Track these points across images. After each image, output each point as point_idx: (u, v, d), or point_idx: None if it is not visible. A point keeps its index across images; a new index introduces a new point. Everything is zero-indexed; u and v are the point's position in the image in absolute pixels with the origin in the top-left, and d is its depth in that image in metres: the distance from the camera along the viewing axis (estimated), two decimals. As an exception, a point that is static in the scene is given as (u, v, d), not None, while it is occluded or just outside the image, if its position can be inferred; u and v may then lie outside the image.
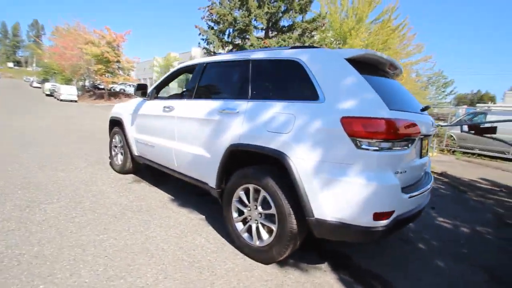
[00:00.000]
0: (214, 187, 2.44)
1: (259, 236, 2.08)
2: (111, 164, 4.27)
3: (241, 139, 2.12)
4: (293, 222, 1.85)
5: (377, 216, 1.62)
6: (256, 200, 2.08)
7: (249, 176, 2.09)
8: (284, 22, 16.65)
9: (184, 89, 3.26)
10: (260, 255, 2.05)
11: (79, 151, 5.21)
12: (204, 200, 3.26)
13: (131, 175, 4.01)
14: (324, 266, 2.13)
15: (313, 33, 15.70)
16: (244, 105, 2.20)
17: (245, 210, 2.17)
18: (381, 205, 1.62)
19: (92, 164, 4.45)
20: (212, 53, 17.60)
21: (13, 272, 1.75)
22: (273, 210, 1.94)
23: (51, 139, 6.15)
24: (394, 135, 1.61)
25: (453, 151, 9.68)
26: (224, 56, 2.72)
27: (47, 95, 27.47)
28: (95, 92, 27.74)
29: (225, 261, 2.08)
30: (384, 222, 1.65)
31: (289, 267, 2.07)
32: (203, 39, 16.60)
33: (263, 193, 2.00)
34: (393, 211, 1.67)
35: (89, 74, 26.43)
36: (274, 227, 1.95)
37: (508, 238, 2.99)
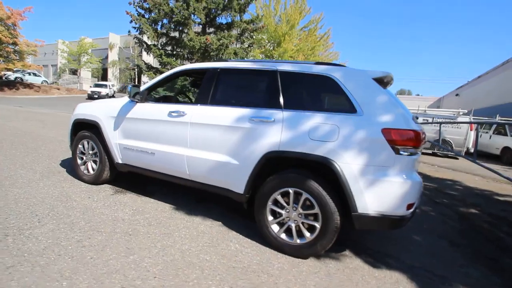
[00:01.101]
0: (242, 192, 2.50)
1: (300, 235, 2.28)
2: (77, 174, 3.66)
3: (281, 147, 2.26)
4: (337, 219, 2.12)
5: (409, 207, 2.06)
6: (296, 202, 2.27)
7: (290, 180, 2.26)
8: (222, 20, 16.64)
9: (183, 94, 3.11)
10: (303, 251, 2.26)
11: (12, 159, 4.22)
12: (207, 206, 3.22)
13: (107, 185, 3.55)
14: (348, 253, 2.49)
15: (252, 34, 16.15)
16: (279, 114, 2.34)
17: (283, 212, 2.33)
18: (411, 198, 2.06)
19: (46, 175, 3.72)
20: (145, 44, 16.19)
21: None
22: (316, 210, 2.17)
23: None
24: (418, 142, 2.06)
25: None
26: (242, 63, 2.74)
27: None
28: (-23, 80, 21.68)
29: (271, 261, 2.20)
30: (410, 211, 2.10)
31: (324, 258, 2.35)
32: (134, 28, 15.05)
33: (305, 195, 2.21)
34: (414, 202, 2.14)
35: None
36: (317, 225, 2.18)
37: (443, 213, 4.01)
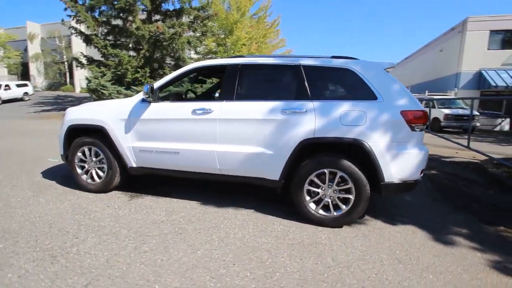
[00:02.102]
0: (277, 179, 2.73)
1: (336, 208, 2.63)
2: (79, 184, 3.38)
3: (316, 133, 2.54)
4: (368, 189, 2.52)
5: (421, 172, 2.56)
6: (331, 180, 2.60)
7: (325, 162, 2.56)
8: (169, 6, 15.70)
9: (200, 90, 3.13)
10: (340, 221, 2.62)
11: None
12: (231, 198, 3.35)
13: (115, 192, 3.39)
14: (369, 218, 2.95)
15: (204, 22, 15.65)
16: (309, 104, 2.60)
17: (319, 191, 2.65)
18: (423, 164, 2.56)
19: (38, 190, 3.37)
20: (83, 34, 14.41)
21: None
22: (350, 185, 2.54)
23: None
24: (426, 119, 2.55)
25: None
26: (262, 59, 2.88)
27: None
28: None
29: (317, 234, 2.51)
30: (421, 175, 2.62)
31: (354, 225, 2.75)
32: (70, 16, 13.23)
33: (339, 173, 2.55)
34: (424, 168, 2.65)
35: None
36: (351, 197, 2.56)
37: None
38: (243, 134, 2.74)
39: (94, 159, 3.30)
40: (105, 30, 15.30)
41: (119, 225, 2.54)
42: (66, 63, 28.81)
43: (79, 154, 3.32)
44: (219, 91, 3.21)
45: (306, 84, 2.67)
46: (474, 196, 3.79)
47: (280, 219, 2.78)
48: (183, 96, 4.00)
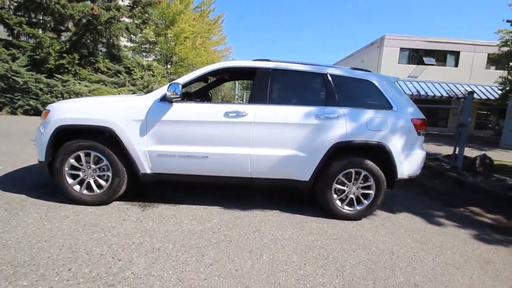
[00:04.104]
0: (307, 180, 2.90)
1: (358, 202, 2.96)
2: (70, 196, 2.81)
3: (347, 137, 2.80)
4: (385, 185, 2.94)
5: (420, 169, 3.12)
6: (356, 179, 2.91)
7: (353, 163, 2.86)
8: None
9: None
10: (362, 214, 2.97)
11: None
12: (251, 200, 3.35)
13: (118, 203, 2.97)
14: (382, 208, 3.37)
15: (146, 8, 14.28)
16: (339, 111, 2.84)
17: (345, 189, 2.93)
18: (423, 163, 3.11)
19: (11, 206, 2.70)
20: None
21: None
22: (371, 182, 2.90)
23: None
24: (426, 126, 3.10)
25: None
26: (292, 65, 2.95)
27: None
28: None
29: (348, 227, 2.79)
30: (420, 172, 3.18)
31: (371, 216, 3.13)
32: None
33: (364, 172, 2.89)
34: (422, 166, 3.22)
35: None
36: (372, 192, 2.93)
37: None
38: (278, 138, 2.80)
39: (93, 166, 2.80)
40: (15, 4, 12.41)
41: (157, 240, 2.29)
42: None
43: (72, 160, 2.77)
44: (250, 93, 3.13)
45: (335, 92, 2.91)
46: (428, 186, 4.74)
47: (308, 217, 2.96)
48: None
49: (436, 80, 19.10)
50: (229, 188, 3.67)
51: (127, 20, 14.34)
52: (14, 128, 7.42)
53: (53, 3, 12.01)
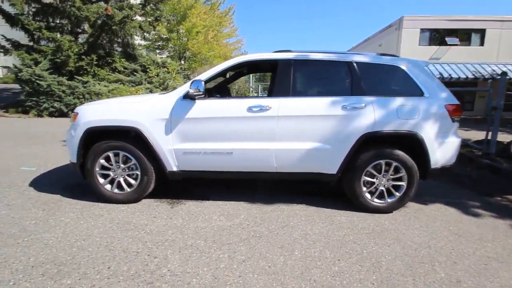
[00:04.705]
0: (334, 173, 2.82)
1: (389, 195, 2.86)
2: (102, 195, 2.90)
3: (375, 127, 2.69)
4: (418, 176, 2.81)
5: (455, 158, 2.96)
6: (386, 170, 2.81)
7: (383, 154, 2.74)
8: (115, -14, 13.88)
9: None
10: (394, 207, 2.86)
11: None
12: (273, 195, 3.33)
13: (148, 201, 3.04)
14: (413, 199, 3.24)
15: (158, 5, 14.32)
16: (367, 100, 2.72)
17: (375, 181, 2.83)
18: (458, 151, 2.94)
19: (48, 206, 2.82)
20: (5, 13, 11.82)
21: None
22: (403, 173, 2.78)
23: None
24: (461, 112, 2.91)
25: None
26: (315, 54, 2.85)
27: None
28: None
29: (379, 221, 2.71)
30: (455, 160, 3.01)
31: (402, 208, 3.02)
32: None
33: (394, 163, 2.77)
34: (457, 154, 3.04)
35: None
36: (403, 183, 2.81)
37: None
38: (303, 131, 2.74)
39: (122, 165, 2.87)
40: (33, 10, 12.82)
41: (189, 237, 2.32)
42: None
43: (102, 161, 2.85)
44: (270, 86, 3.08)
45: (361, 80, 2.79)
46: (460, 173, 4.52)
47: (336, 211, 2.90)
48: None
49: (460, 61, 18.05)
50: (252, 182, 3.66)
51: (139, 18, 14.50)
52: (42, 131, 7.76)
53: (68, 6, 12.31)
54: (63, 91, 11.95)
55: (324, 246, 2.24)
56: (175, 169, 2.87)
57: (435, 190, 3.70)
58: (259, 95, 13.93)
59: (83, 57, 12.76)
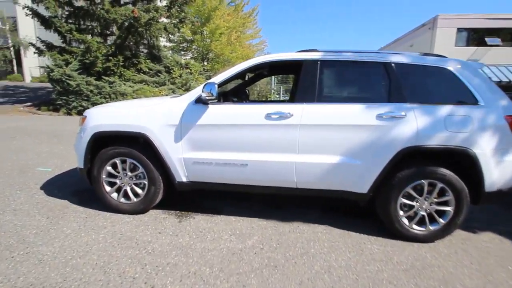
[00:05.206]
0: (365, 192, 2.42)
1: (432, 221, 2.40)
2: (108, 204, 2.72)
3: (418, 141, 2.25)
4: (468, 200, 2.33)
5: (517, 180, 2.44)
6: (430, 192, 2.36)
7: (427, 172, 2.30)
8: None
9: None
10: (437, 236, 2.41)
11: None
12: (291, 212, 2.98)
13: (156, 212, 2.81)
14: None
15: (182, 7, 14.46)
16: (408, 108, 2.30)
17: (414, 204, 2.39)
18: None
19: (53, 213, 2.66)
20: (40, 16, 12.49)
21: None
22: (450, 196, 2.32)
23: None
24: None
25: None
26: (345, 54, 2.47)
27: None
28: None
29: (419, 253, 2.26)
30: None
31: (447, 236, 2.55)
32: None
33: (440, 184, 2.31)
34: None
35: None
36: (450, 209, 2.34)
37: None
38: (330, 142, 2.37)
39: (129, 173, 2.66)
40: (66, 12, 13.41)
41: (194, 261, 2.04)
42: (12, 48, 25.04)
43: (108, 168, 2.67)
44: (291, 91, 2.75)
45: (400, 85, 2.37)
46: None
47: (366, 236, 2.49)
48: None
49: (502, 63, 16.50)
50: (269, 195, 3.33)
51: (165, 20, 14.71)
52: (67, 129, 7.95)
53: (98, 9, 12.73)
54: (91, 91, 12.35)
55: (352, 285, 1.85)
56: (184, 179, 2.62)
57: (484, 214, 3.15)
58: (281, 99, 13.51)
59: (110, 58, 13.12)
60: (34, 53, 13.46)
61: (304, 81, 2.46)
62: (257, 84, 19.25)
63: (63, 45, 13.47)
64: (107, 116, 2.66)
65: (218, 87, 2.54)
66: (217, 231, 2.48)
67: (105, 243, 2.22)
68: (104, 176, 2.69)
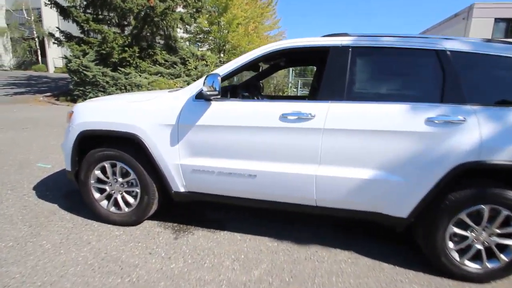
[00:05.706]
0: (405, 217, 1.90)
1: (490, 257, 1.86)
2: (97, 213, 2.39)
3: (481, 154, 1.71)
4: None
5: None
6: (490, 221, 1.81)
7: (489, 195, 1.75)
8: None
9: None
10: (493, 275, 1.88)
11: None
12: (313, 232, 2.51)
13: (150, 223, 2.45)
14: None
15: (200, -3, 14.01)
16: (469, 111, 1.75)
17: (468, 235, 1.86)
18: None
19: (37, 221, 2.36)
20: (59, 6, 12.52)
21: None
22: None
23: None
24: None
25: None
26: (384, 39, 1.93)
27: None
28: None
29: (476, 300, 1.76)
30: None
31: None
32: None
33: (505, 212, 1.76)
34: None
35: None
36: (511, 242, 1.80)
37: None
38: (361, 152, 1.86)
39: (120, 179, 2.30)
40: (84, 2, 13.36)
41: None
42: (36, 39, 25.79)
43: (97, 172, 2.31)
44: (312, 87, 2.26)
45: (459, 80, 1.81)
46: None
47: (402, 271, 1.98)
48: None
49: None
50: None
51: (181, 10, 14.36)
52: (79, 121, 7.82)
53: (115, 0, 12.55)
54: (107, 82, 12.30)
55: None
56: (182, 189, 2.21)
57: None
58: (298, 95, 12.76)
59: (126, 49, 12.98)
60: (53, 43, 13.60)
61: (330, 73, 1.94)
62: (273, 77, 18.63)
63: (81, 35, 13.49)
64: (94, 113, 2.29)
65: (224, 80, 2.09)
66: (218, 254, 2.07)
67: (84, 266, 1.87)
68: (92, 181, 2.34)
